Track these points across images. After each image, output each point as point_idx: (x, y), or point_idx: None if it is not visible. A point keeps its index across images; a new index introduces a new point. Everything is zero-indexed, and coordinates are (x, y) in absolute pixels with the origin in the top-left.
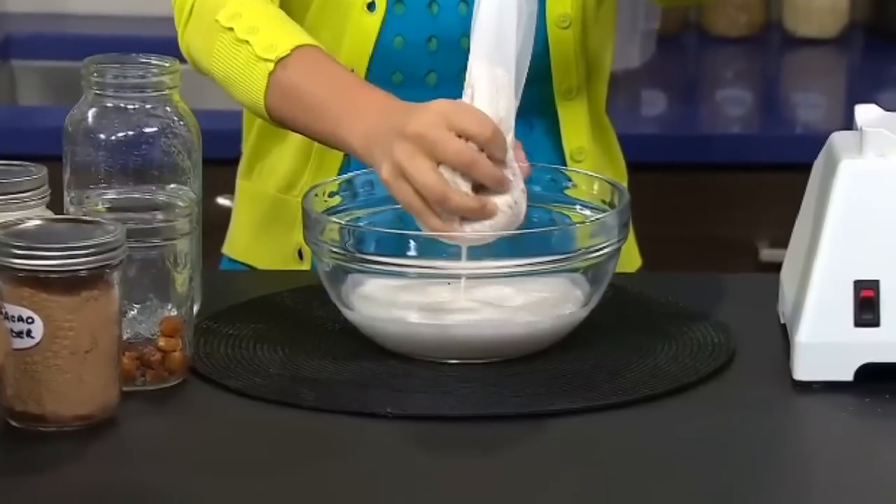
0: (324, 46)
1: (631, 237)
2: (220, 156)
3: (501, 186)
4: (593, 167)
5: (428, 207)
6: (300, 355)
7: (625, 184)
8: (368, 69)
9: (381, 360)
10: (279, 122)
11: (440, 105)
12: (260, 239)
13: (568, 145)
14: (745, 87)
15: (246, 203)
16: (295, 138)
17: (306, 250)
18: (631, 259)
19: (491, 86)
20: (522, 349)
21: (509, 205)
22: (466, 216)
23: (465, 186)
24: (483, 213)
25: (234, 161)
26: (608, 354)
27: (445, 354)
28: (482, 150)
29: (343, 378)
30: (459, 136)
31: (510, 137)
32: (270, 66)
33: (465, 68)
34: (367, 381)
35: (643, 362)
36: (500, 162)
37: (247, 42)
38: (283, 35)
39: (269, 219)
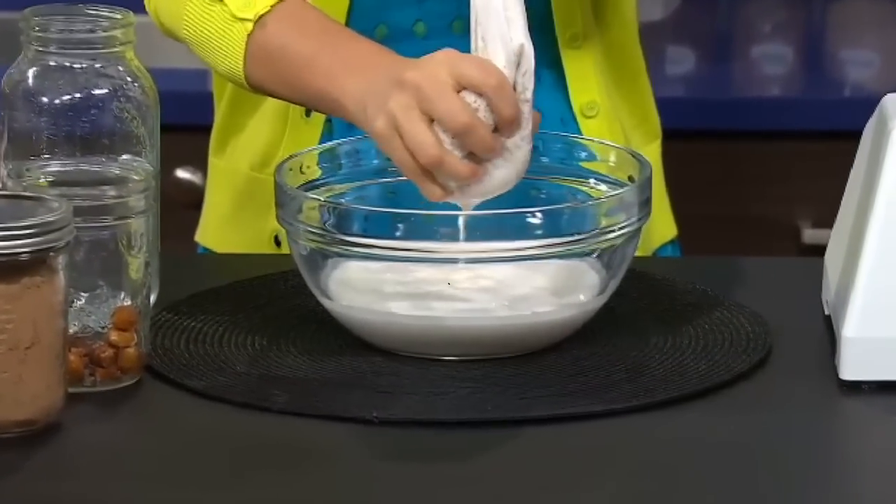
0: None
1: (664, 201)
2: (181, 122)
3: (493, 151)
4: (610, 123)
5: (422, 169)
6: (271, 351)
7: (658, 143)
8: (346, 24)
9: (365, 356)
10: (260, 88)
11: (446, 53)
12: (232, 224)
13: (576, 100)
14: (786, 43)
15: (218, 184)
16: (270, 107)
17: (284, 236)
18: (663, 227)
19: (500, 25)
20: (529, 344)
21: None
22: (458, 182)
23: (458, 149)
24: (476, 180)
25: (196, 128)
26: (628, 350)
27: (439, 350)
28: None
29: (321, 377)
30: (463, 89)
31: (526, 70)
32: (249, 25)
33: (457, 16)
34: (349, 381)
35: (668, 359)
36: (508, 122)
37: (220, 1)
38: None
39: (242, 201)
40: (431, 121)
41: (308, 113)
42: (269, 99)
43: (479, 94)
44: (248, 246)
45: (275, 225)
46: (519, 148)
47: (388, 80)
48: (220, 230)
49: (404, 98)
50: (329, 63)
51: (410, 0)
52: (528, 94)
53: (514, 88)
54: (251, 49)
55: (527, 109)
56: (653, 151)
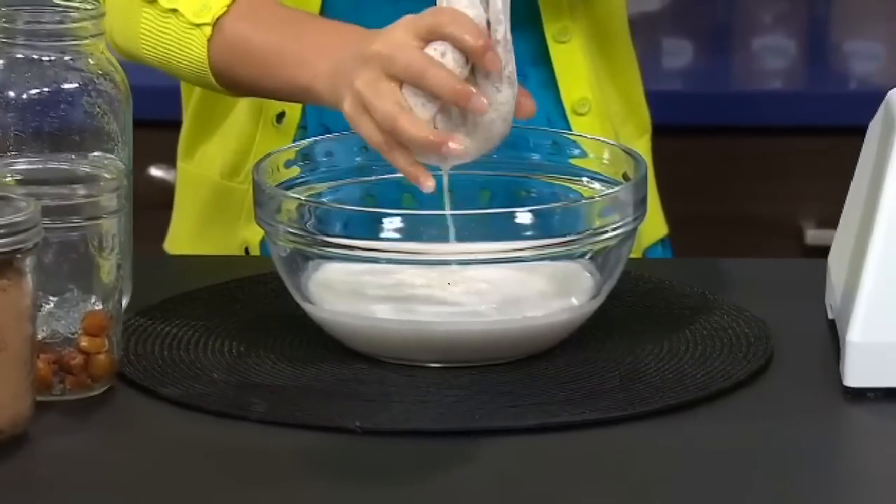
0: None
1: (655, 197)
2: (154, 117)
3: (462, 98)
4: (601, 120)
5: (391, 141)
6: (250, 357)
7: (648, 137)
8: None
9: (348, 363)
10: (234, 88)
11: (406, 18)
12: (201, 234)
13: (567, 97)
14: (788, 34)
15: (187, 191)
16: (239, 113)
17: (253, 247)
18: (653, 225)
19: None
20: (519, 350)
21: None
22: (418, 150)
23: (429, 111)
24: (435, 148)
25: (170, 124)
26: (622, 356)
27: (425, 356)
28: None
29: (301, 385)
30: (427, 44)
31: (501, 32)
32: (207, 30)
33: None
34: (331, 389)
35: (664, 366)
36: (478, 53)
37: (174, 11)
38: None
39: (211, 210)
40: (397, 88)
41: (279, 119)
42: (239, 105)
43: (442, 39)
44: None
45: (244, 235)
46: (499, 91)
47: (353, 58)
48: (188, 240)
49: (368, 72)
50: (295, 51)
51: (384, 1)
52: (500, 34)
53: (489, 29)
54: (214, 53)
55: (502, 50)
56: (643, 146)
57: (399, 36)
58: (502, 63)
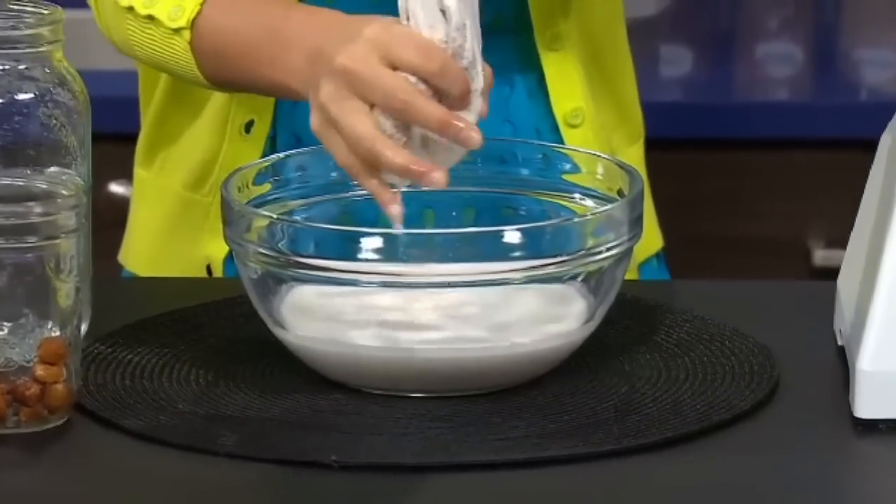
0: None
1: (648, 209)
2: (115, 130)
3: (452, 131)
4: (596, 132)
5: (363, 164)
6: (218, 387)
7: (640, 144)
8: None
9: (324, 393)
10: (227, 86)
11: (374, 29)
12: (161, 247)
13: (559, 108)
14: (794, 41)
15: (145, 199)
16: (206, 118)
17: (216, 264)
18: (647, 238)
19: (428, 9)
20: (506, 379)
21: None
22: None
23: (402, 136)
24: (417, 177)
25: (132, 138)
26: (617, 385)
27: (406, 386)
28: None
29: (274, 416)
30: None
31: (469, 52)
32: (187, 34)
33: None
34: (305, 421)
35: (662, 395)
36: (458, 99)
37: (151, 18)
38: None
39: (172, 222)
40: (371, 108)
41: (248, 129)
42: (205, 111)
43: (399, 66)
44: (177, 273)
45: (208, 251)
46: (470, 111)
47: (322, 64)
48: (146, 252)
49: (334, 88)
50: (271, 42)
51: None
52: (467, 50)
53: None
54: (198, 55)
55: (468, 66)
56: (635, 154)
57: (369, 55)
58: (469, 85)
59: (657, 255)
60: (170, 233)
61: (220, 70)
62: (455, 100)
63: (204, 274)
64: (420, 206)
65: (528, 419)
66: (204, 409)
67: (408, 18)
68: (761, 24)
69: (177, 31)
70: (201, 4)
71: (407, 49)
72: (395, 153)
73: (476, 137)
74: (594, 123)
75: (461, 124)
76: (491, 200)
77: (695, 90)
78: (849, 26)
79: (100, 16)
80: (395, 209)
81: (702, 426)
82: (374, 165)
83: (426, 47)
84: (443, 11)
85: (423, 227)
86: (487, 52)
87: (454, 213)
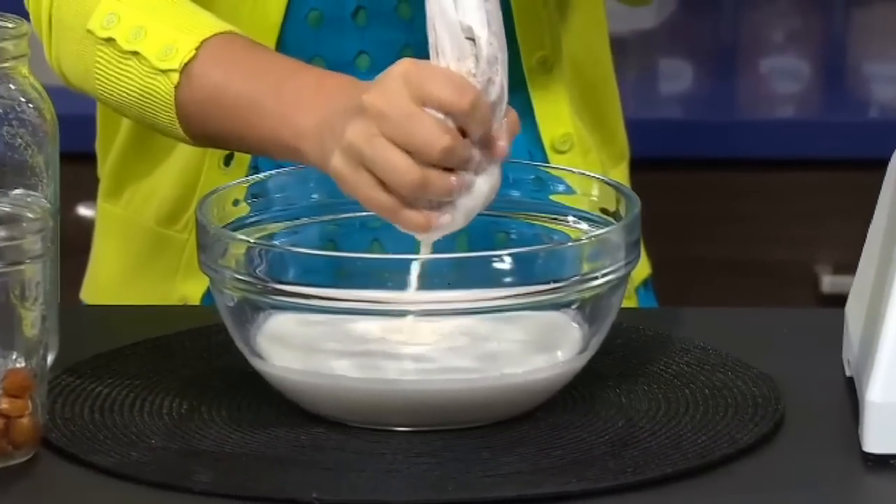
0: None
1: None
2: (84, 150)
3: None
4: (583, 158)
5: (399, 201)
6: (192, 421)
7: (625, 164)
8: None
9: (304, 426)
10: (205, 141)
11: (403, 67)
12: (129, 286)
13: (547, 134)
14: (801, 55)
15: (110, 235)
16: (180, 153)
17: (194, 302)
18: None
19: (455, 40)
20: (497, 411)
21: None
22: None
23: None
24: (466, 191)
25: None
26: (613, 419)
27: (391, 419)
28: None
29: (251, 452)
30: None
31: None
32: (175, 77)
33: (406, 45)
34: (285, 457)
35: (661, 429)
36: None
37: (136, 53)
38: (180, 30)
39: (142, 261)
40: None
41: (228, 161)
42: (179, 144)
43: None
44: None
45: (184, 291)
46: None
47: (343, 110)
48: (111, 290)
49: (363, 126)
50: (275, 104)
51: (350, 27)
52: (497, 85)
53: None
54: (182, 103)
55: (496, 101)
56: (619, 174)
57: (400, 94)
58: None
59: (644, 284)
60: (139, 271)
61: (209, 123)
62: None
63: None
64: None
65: (520, 454)
66: (177, 444)
67: (437, 54)
68: (766, 37)
69: (164, 72)
70: (197, 49)
71: (438, 85)
72: (442, 175)
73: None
74: (583, 149)
75: (436, 183)
76: (481, 225)
77: (695, 107)
78: (858, 39)
79: (53, 44)
80: (434, 223)
81: (703, 462)
82: (417, 197)
83: (459, 85)
84: (471, 40)
85: (415, 253)
86: None
87: (445, 240)
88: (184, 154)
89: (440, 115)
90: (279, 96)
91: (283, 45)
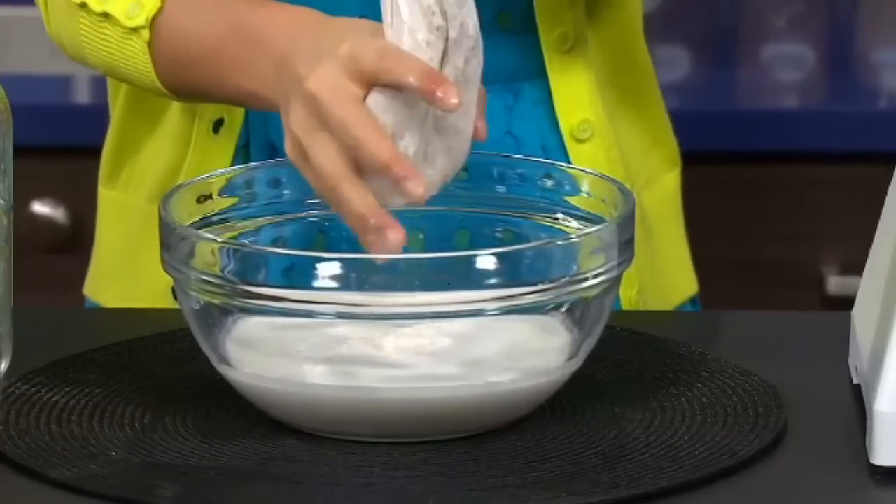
0: None
1: (682, 247)
2: (39, 143)
3: (389, 171)
4: (606, 150)
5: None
6: (156, 432)
7: (677, 171)
8: None
9: (275, 437)
10: (189, 95)
11: (347, 48)
12: (126, 273)
13: (565, 119)
14: (805, 41)
15: (110, 222)
16: (170, 121)
17: None
18: (681, 281)
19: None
20: (481, 421)
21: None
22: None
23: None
24: (373, 231)
25: (59, 151)
26: (605, 429)
27: (368, 430)
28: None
29: (218, 465)
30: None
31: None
32: (145, 34)
33: None
34: (254, 470)
35: (656, 440)
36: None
37: (106, 15)
38: None
39: (136, 243)
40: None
41: (216, 128)
42: (169, 112)
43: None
44: (143, 300)
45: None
46: (457, 132)
47: (293, 80)
48: (112, 280)
49: (303, 115)
50: (236, 51)
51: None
52: (470, 29)
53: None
54: (157, 58)
55: (468, 56)
56: (671, 182)
57: (337, 75)
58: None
59: (692, 300)
60: (133, 255)
61: (182, 76)
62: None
63: (169, 298)
64: (407, 228)
65: (506, 467)
66: (139, 456)
67: (385, 6)
68: (768, 23)
69: (134, 30)
70: (162, 1)
71: (377, 55)
72: (358, 199)
73: (416, 191)
74: (605, 140)
75: (403, 172)
76: (471, 223)
77: (693, 97)
78: (866, 25)
79: (50, 16)
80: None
81: (701, 474)
82: (330, 201)
83: (381, 49)
84: None
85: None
86: (490, 53)
87: (446, 237)
88: (173, 124)
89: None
90: (240, 40)
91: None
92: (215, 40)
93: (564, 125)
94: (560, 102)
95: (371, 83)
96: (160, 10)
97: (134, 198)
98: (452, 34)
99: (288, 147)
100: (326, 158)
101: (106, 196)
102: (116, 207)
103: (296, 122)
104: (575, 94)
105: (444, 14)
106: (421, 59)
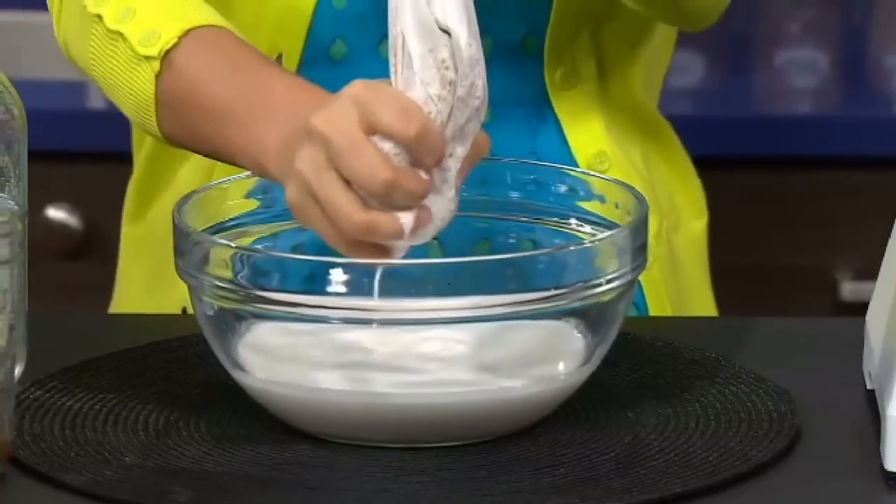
0: (237, 22)
1: (705, 284)
2: (54, 148)
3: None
4: (626, 175)
5: (350, 238)
6: (170, 437)
7: (705, 219)
8: (306, 39)
9: (288, 443)
10: (176, 142)
11: (354, 89)
12: (146, 299)
13: (581, 152)
14: (819, 47)
15: (132, 255)
16: (193, 161)
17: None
18: (698, 300)
19: (424, 28)
20: (494, 427)
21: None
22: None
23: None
24: (381, 255)
25: (73, 157)
26: (619, 434)
27: (382, 435)
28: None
29: (232, 470)
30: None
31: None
32: (156, 65)
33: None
34: (268, 476)
35: (670, 446)
36: (431, 168)
37: (120, 34)
38: (166, 15)
39: (156, 272)
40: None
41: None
42: (192, 156)
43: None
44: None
45: (183, 293)
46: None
47: (295, 131)
48: (134, 305)
49: (311, 154)
50: (246, 114)
51: (377, 9)
52: (479, 91)
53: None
54: (161, 94)
55: (479, 108)
56: (699, 229)
57: (346, 120)
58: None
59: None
60: (152, 283)
61: (183, 116)
62: (428, 170)
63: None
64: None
65: (519, 473)
66: (153, 461)
67: (398, 52)
68: (782, 28)
69: (146, 58)
70: (180, 38)
71: (385, 110)
72: (391, 220)
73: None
74: (624, 171)
75: (383, 228)
76: (482, 229)
77: (707, 102)
78: (881, 30)
79: (61, 22)
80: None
81: (715, 480)
82: (361, 237)
83: (407, 110)
84: (446, 33)
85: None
86: (515, 76)
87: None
88: (199, 160)
89: (388, 147)
90: (250, 104)
91: (310, 28)
92: (227, 97)
93: (580, 157)
94: (572, 136)
95: (373, 128)
96: (176, 46)
97: (154, 231)
98: (461, 92)
99: (292, 191)
100: (341, 196)
101: (129, 234)
102: (138, 243)
103: (302, 161)
104: (585, 127)
105: (455, 69)
106: (381, 155)
